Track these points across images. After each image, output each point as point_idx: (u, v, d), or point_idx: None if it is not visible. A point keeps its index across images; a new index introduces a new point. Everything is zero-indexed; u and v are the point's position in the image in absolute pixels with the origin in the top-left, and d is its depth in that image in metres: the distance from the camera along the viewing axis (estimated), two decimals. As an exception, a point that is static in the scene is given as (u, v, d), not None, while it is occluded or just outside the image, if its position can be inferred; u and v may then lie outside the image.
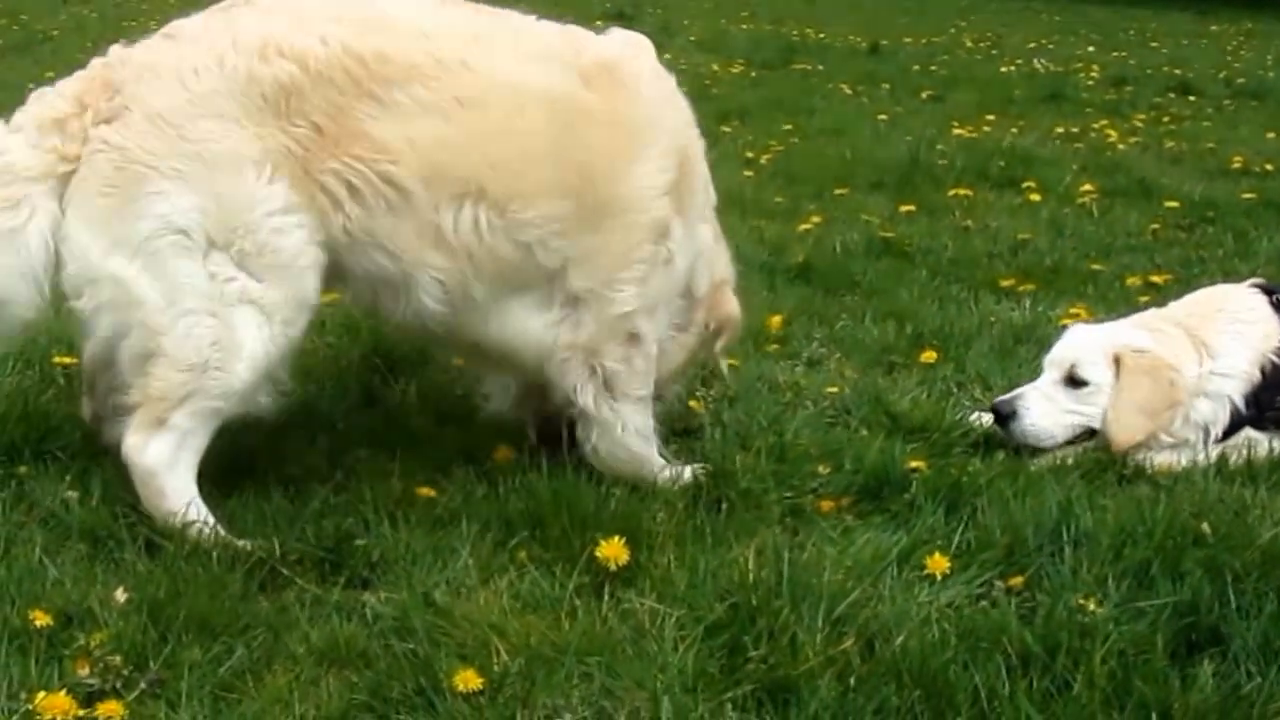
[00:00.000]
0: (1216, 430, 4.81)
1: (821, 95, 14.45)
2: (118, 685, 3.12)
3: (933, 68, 17.59)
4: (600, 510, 3.94)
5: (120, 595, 3.50)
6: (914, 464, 4.45)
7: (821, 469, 4.38)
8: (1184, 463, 4.64)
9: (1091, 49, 21.34)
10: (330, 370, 5.18)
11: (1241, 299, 5.06)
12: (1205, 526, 3.91)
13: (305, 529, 3.88)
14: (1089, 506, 4.05)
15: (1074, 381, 4.85)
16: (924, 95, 14.79)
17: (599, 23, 20.25)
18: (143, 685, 3.13)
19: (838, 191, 9.23)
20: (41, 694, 2.96)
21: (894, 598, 3.56)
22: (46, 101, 4.00)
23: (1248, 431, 4.83)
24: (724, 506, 4.15)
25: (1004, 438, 4.85)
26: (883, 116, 12.98)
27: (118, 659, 3.20)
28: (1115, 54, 20.60)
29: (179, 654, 3.26)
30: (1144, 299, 6.22)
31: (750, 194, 9.03)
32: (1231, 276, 6.02)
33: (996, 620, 3.45)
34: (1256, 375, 4.80)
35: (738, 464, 4.36)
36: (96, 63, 4.05)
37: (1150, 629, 3.40)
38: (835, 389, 5.25)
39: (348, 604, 3.56)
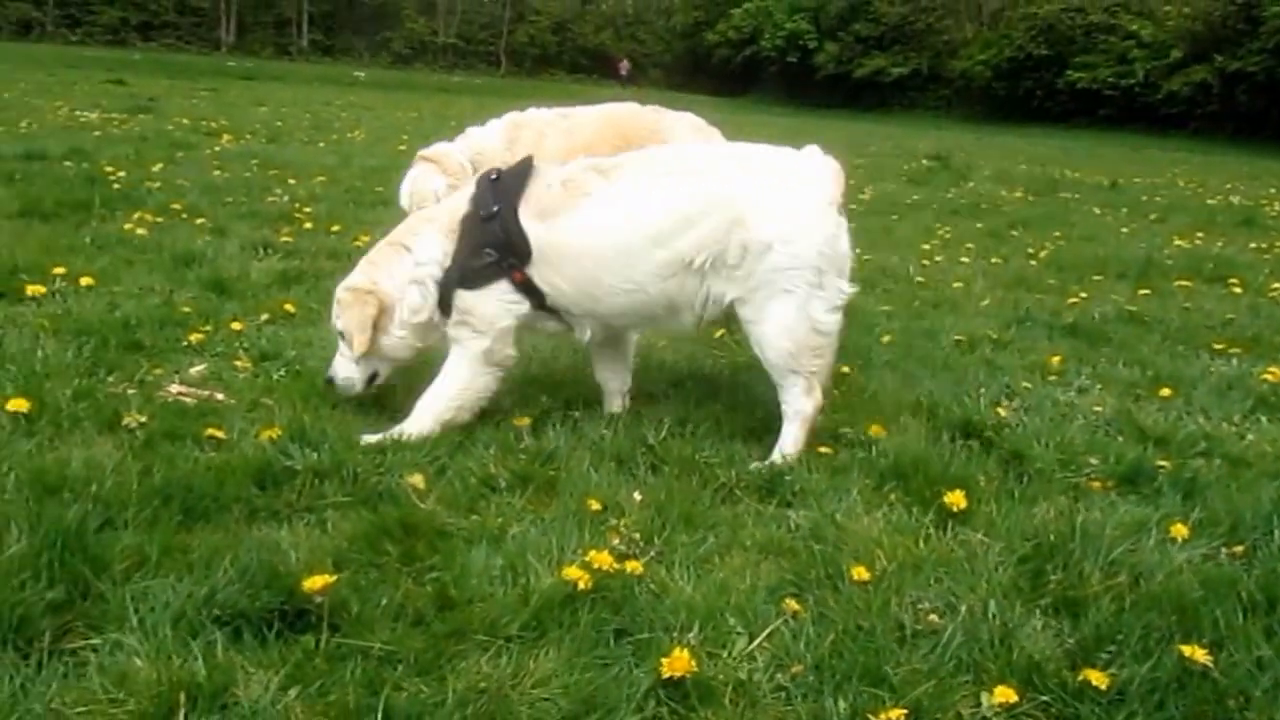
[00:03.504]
0: (427, 311, 4.07)
1: (1078, 214, 13.61)
2: (636, 552, 3.18)
3: (1156, 199, 16.41)
4: (945, 472, 3.79)
5: (637, 496, 3.58)
6: (1160, 463, 4.13)
7: (1092, 460, 4.10)
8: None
9: (1273, 190, 19.51)
10: (741, 380, 5.20)
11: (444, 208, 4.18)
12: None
13: (753, 468, 3.88)
14: (1294, 502, 3.67)
15: (342, 335, 4.17)
16: (1151, 217, 13.77)
17: (923, 160, 19.58)
18: (651, 554, 3.20)
19: (1094, 278, 8.67)
20: (593, 551, 3.05)
21: (1151, 551, 3.31)
22: None
23: (461, 297, 3.99)
24: (1025, 478, 3.94)
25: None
26: (1124, 230, 12.18)
27: (637, 535, 3.28)
28: (1292, 195, 18.84)
29: (673, 538, 3.31)
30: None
31: (1032, 276, 8.61)
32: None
33: (1228, 574, 3.16)
34: (447, 252, 4.01)
35: (1033, 451, 4.13)
36: None
37: (1348, 591, 3.06)
38: (1099, 408, 4.91)
39: (778, 517, 3.54)
